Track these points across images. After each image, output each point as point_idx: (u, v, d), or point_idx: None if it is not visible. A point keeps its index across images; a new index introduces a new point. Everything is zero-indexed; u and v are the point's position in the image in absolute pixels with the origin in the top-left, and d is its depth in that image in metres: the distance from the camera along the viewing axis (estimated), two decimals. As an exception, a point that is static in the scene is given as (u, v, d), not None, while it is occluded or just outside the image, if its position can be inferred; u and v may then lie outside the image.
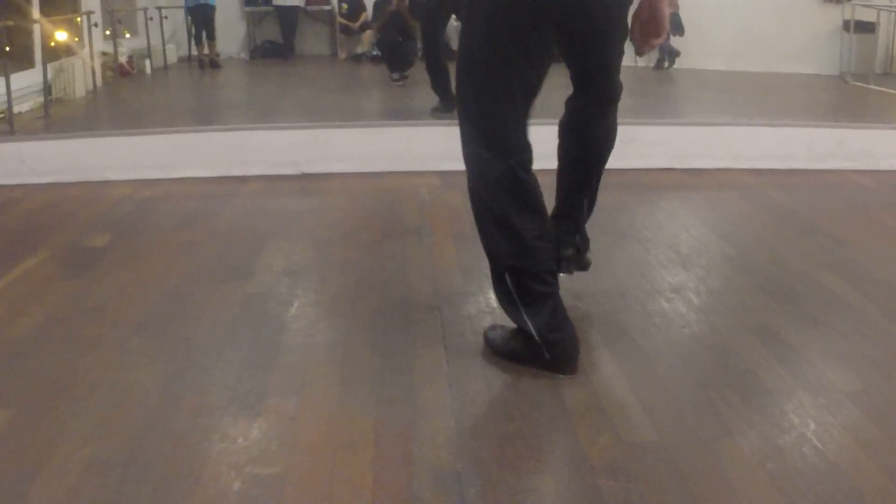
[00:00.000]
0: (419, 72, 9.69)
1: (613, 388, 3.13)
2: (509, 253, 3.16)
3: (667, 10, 3.27)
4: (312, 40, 16.01)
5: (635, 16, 3.27)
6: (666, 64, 13.40)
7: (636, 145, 6.66)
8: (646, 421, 2.89)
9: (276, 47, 15.42)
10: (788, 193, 6.07)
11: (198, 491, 2.50)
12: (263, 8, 15.56)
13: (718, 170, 6.72)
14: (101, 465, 2.63)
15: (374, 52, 13.74)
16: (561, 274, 3.56)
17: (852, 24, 12.52)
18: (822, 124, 7.67)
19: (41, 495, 2.49)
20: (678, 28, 13.31)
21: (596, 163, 3.65)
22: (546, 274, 3.17)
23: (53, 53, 9.81)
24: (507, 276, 3.18)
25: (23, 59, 9.61)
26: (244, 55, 15.74)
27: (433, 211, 5.55)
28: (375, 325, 3.69)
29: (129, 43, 12.85)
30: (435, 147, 6.59)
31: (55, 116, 8.45)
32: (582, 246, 3.84)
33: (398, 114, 9.07)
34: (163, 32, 13.46)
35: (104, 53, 11.32)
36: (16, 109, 7.75)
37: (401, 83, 10.82)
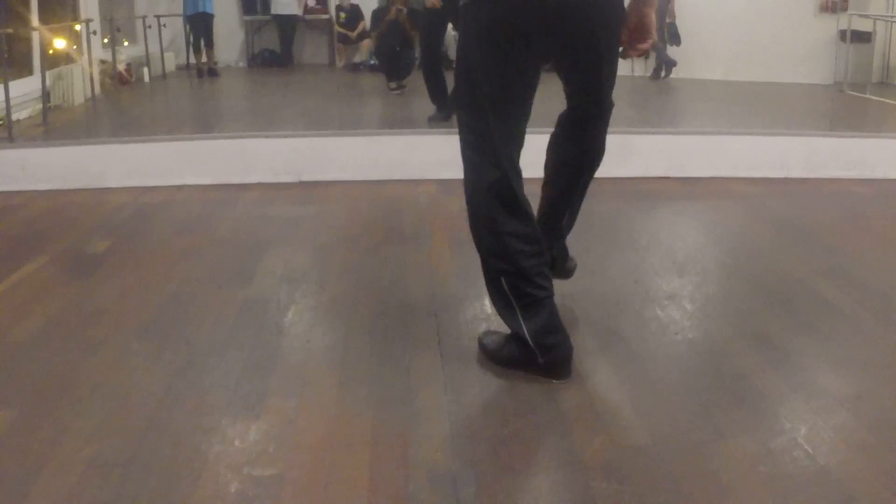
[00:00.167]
0: (417, 81, 9.72)
1: (607, 392, 3.16)
2: (504, 257, 3.20)
3: (654, 17, 3.31)
4: (311, 49, 16.05)
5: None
6: (663, 73, 13.44)
7: (633, 154, 6.71)
8: (639, 424, 2.92)
9: (274, 56, 15.45)
10: (785, 202, 6.11)
11: (197, 491, 2.53)
12: (262, 17, 15.59)
13: (715, 179, 6.75)
14: (102, 464, 2.66)
15: (372, 61, 13.78)
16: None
17: (849, 34, 12.55)
18: (818, 134, 7.70)
19: (43, 494, 2.52)
20: (675, 38, 13.36)
21: (577, 179, 3.66)
22: (540, 278, 3.21)
23: (52, 61, 9.83)
24: (502, 279, 3.22)
25: (21, 67, 9.64)
26: (242, 63, 15.77)
27: (431, 218, 5.59)
28: (373, 330, 3.73)
29: (127, 51, 12.87)
30: (433, 155, 6.63)
31: (54, 124, 8.47)
32: (559, 258, 3.87)
33: (396, 122, 9.11)
34: (161, 40, 13.49)
35: (103, 61, 11.34)
36: (14, 117, 7.76)
37: (399, 92, 10.84)
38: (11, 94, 7.54)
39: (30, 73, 9.61)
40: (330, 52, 15.99)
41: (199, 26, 13.68)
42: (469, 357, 3.42)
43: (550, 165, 3.68)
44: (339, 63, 15.48)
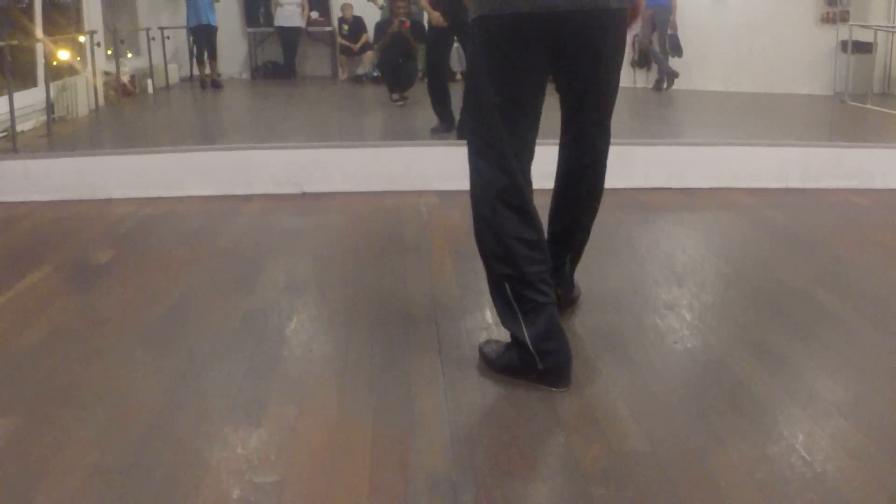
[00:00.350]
0: (419, 92, 9.76)
1: (606, 400, 3.18)
2: (509, 262, 3.24)
3: (643, 3, 3.40)
4: (314, 61, 16.09)
5: None
6: (665, 85, 13.47)
7: (633, 165, 6.74)
8: (637, 431, 2.94)
9: (277, 68, 15.49)
10: (785, 212, 6.12)
11: (199, 497, 2.55)
12: (265, 29, 15.64)
13: (715, 189, 6.76)
14: (105, 470, 2.68)
15: (375, 73, 13.82)
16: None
17: (850, 45, 12.58)
18: (818, 144, 7.72)
19: (46, 499, 2.54)
20: (677, 49, 13.39)
21: (578, 223, 3.76)
22: (543, 284, 3.25)
23: (56, 72, 9.87)
24: (505, 284, 3.26)
25: (26, 78, 9.68)
26: (245, 75, 15.82)
27: (432, 229, 5.61)
28: (374, 338, 3.75)
29: (131, 62, 12.92)
30: (435, 167, 6.66)
31: (58, 135, 8.51)
32: (564, 294, 3.90)
33: (399, 134, 9.14)
34: (165, 52, 13.53)
35: (106, 73, 11.39)
36: (19, 128, 7.79)
37: (401, 103, 10.88)
38: (16, 106, 7.58)
39: (34, 84, 9.66)
40: (333, 64, 16.03)
41: (203, 38, 13.73)
42: (469, 364, 3.44)
43: (553, 203, 3.76)
44: (342, 75, 15.52)
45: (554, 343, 3.23)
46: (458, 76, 12.45)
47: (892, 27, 13.21)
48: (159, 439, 2.89)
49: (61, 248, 5.25)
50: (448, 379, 3.33)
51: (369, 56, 14.63)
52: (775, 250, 5.23)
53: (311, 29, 15.72)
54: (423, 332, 3.81)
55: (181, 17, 13.86)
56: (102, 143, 9.12)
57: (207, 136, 9.49)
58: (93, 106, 10.35)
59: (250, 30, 15.82)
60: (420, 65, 11.71)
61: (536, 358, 3.22)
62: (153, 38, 13.21)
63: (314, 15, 15.69)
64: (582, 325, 3.91)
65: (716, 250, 5.16)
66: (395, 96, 11.00)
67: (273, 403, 3.14)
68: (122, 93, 11.75)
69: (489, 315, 3.87)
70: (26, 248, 5.33)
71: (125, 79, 12.00)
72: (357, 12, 15.11)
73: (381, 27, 13.20)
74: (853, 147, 7.57)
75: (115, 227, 5.73)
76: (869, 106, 11.47)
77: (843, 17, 13.41)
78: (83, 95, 10.10)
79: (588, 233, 3.82)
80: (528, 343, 3.22)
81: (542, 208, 3.44)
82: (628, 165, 6.63)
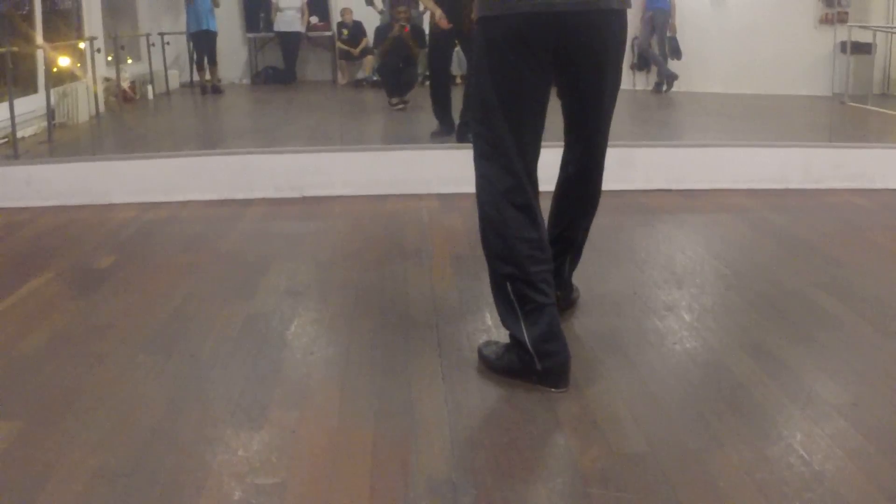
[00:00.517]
0: (420, 96, 9.77)
1: (606, 402, 3.20)
2: (512, 261, 3.27)
3: None
4: (314, 66, 16.08)
5: None
6: (664, 87, 13.48)
7: (633, 167, 6.75)
8: (637, 433, 2.96)
9: (277, 73, 15.48)
10: (784, 214, 6.13)
11: (201, 499, 2.57)
12: (265, 34, 15.64)
13: (715, 191, 6.77)
14: (107, 474, 2.70)
15: (375, 77, 13.82)
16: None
17: (849, 46, 12.58)
18: (818, 145, 7.72)
19: (49, 502, 2.56)
20: (676, 52, 13.39)
21: (577, 227, 3.81)
22: (545, 284, 3.27)
23: (57, 79, 9.88)
24: (508, 284, 3.28)
25: (26, 85, 9.69)
26: (246, 81, 15.80)
27: (433, 233, 5.61)
28: (374, 342, 3.77)
29: (131, 68, 12.92)
30: (435, 170, 6.67)
31: (59, 141, 8.52)
32: (562, 297, 3.92)
33: (399, 138, 9.16)
34: (165, 58, 13.53)
35: (107, 79, 11.38)
36: (19, 134, 7.79)
37: (401, 107, 10.88)
38: (17, 112, 7.58)
39: (35, 90, 9.66)
40: (333, 68, 16.03)
41: (203, 44, 13.72)
42: (469, 367, 3.46)
43: (553, 210, 3.81)
44: (342, 80, 15.52)
45: (553, 344, 3.25)
46: (458, 80, 12.46)
47: (891, 28, 13.21)
48: (161, 443, 2.91)
49: (63, 253, 5.27)
50: (448, 382, 3.34)
51: (370, 60, 14.62)
52: (775, 252, 5.24)
53: (311, 34, 15.70)
54: (423, 336, 3.83)
55: (181, 23, 13.84)
56: (103, 149, 9.10)
57: (208, 141, 9.49)
58: (93, 112, 10.34)
59: (250, 35, 15.79)
60: (420, 69, 11.72)
61: (535, 359, 3.24)
62: (153, 44, 13.19)
63: (314, 20, 15.68)
64: (581, 327, 3.93)
65: (715, 252, 5.17)
66: (395, 100, 11.00)
67: (274, 407, 3.15)
68: (123, 99, 11.75)
69: (489, 318, 3.89)
70: (28, 253, 5.35)
71: (125, 85, 12.00)
72: (357, 17, 15.10)
73: (381, 32, 13.20)
74: (853, 148, 7.57)
75: (116, 232, 5.75)
76: (869, 107, 11.48)
77: (842, 19, 13.41)
78: (83, 101, 10.10)
79: (587, 234, 3.85)
80: (528, 344, 3.24)
81: (543, 211, 3.46)
82: (628, 167, 6.64)
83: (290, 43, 15.23)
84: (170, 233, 5.79)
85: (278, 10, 14.91)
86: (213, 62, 13.83)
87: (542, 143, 3.39)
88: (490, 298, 3.48)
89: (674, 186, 6.82)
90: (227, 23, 14.91)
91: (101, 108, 10.61)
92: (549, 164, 3.59)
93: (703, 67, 13.33)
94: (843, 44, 12.88)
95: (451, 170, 5.56)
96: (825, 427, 2.99)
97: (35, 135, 8.79)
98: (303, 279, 4.67)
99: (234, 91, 14.42)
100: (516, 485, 2.66)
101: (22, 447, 2.89)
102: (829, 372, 3.50)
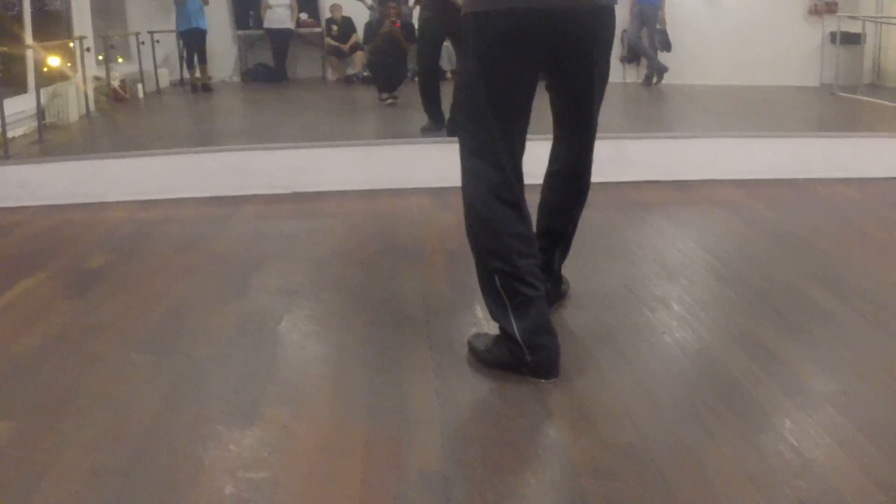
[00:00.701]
0: (411, 92, 9.78)
1: (597, 394, 3.22)
2: (500, 255, 3.28)
3: None
4: (304, 63, 16.06)
5: None
6: (654, 80, 13.51)
7: (625, 160, 6.77)
8: (628, 424, 2.98)
9: (267, 70, 15.46)
10: (775, 205, 6.16)
11: (194, 496, 2.59)
12: (255, 31, 15.62)
13: (706, 182, 6.80)
14: (102, 472, 2.72)
15: (365, 73, 13.81)
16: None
17: (839, 36, 12.61)
18: (808, 135, 7.76)
19: (44, 502, 2.58)
20: (666, 44, 13.41)
21: (566, 219, 3.85)
22: (533, 277, 3.29)
23: (47, 78, 9.86)
24: (496, 277, 3.30)
25: (16, 84, 9.68)
26: (236, 78, 15.80)
27: (424, 228, 5.64)
28: (367, 339, 3.79)
29: (121, 68, 12.91)
30: (427, 165, 6.70)
31: (49, 141, 8.51)
32: (552, 289, 3.93)
33: (389, 133, 9.16)
34: (155, 57, 13.52)
35: (97, 78, 11.38)
36: (10, 134, 7.79)
37: (390, 102, 10.88)
38: (7, 112, 7.57)
39: (25, 90, 9.66)
40: (323, 65, 16.01)
41: (193, 42, 13.71)
42: (460, 362, 3.48)
43: (541, 203, 3.83)
44: (332, 76, 15.51)
45: (543, 336, 3.28)
46: (448, 75, 12.48)
47: (881, 18, 13.24)
48: (156, 442, 2.92)
49: (57, 253, 5.27)
50: (440, 377, 3.36)
51: (360, 57, 14.62)
52: (765, 244, 5.27)
53: (300, 31, 15.70)
54: (415, 331, 3.85)
55: (171, 22, 13.83)
56: (94, 148, 9.07)
57: (199, 139, 9.46)
58: (83, 112, 10.34)
59: (240, 32, 15.79)
60: (410, 65, 11.73)
61: (525, 350, 3.26)
62: (143, 43, 13.18)
63: (304, 16, 15.67)
64: (573, 321, 3.94)
65: (706, 245, 5.19)
66: (385, 96, 11.01)
67: (268, 404, 3.17)
68: (113, 98, 11.75)
69: (479, 312, 3.90)
70: (22, 254, 5.35)
71: (116, 84, 12.00)
72: (346, 13, 15.10)
73: (370, 28, 13.21)
74: (842, 138, 7.61)
75: (110, 231, 5.76)
76: (859, 97, 11.50)
77: (831, 9, 13.45)
78: (74, 101, 10.09)
79: (576, 226, 3.88)
80: (517, 336, 3.26)
81: (531, 204, 3.48)
82: (618, 159, 6.66)
83: (279, 40, 15.22)
84: (163, 232, 5.80)
85: (268, 7, 14.90)
86: (203, 60, 13.83)
87: (528, 137, 3.40)
88: (481, 293, 3.50)
89: (664, 178, 6.84)
90: (217, 21, 14.91)
91: (92, 107, 10.61)
92: (535, 159, 3.61)
93: (692, 60, 13.36)
94: (833, 34, 12.91)
95: (442, 165, 5.55)
96: (815, 417, 3.02)
97: (25, 135, 8.78)
98: (296, 277, 4.68)
99: (224, 89, 14.43)
100: (508, 477, 2.68)
101: (17, 447, 2.90)
102: (820, 363, 3.53)
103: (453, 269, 4.62)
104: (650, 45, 13.52)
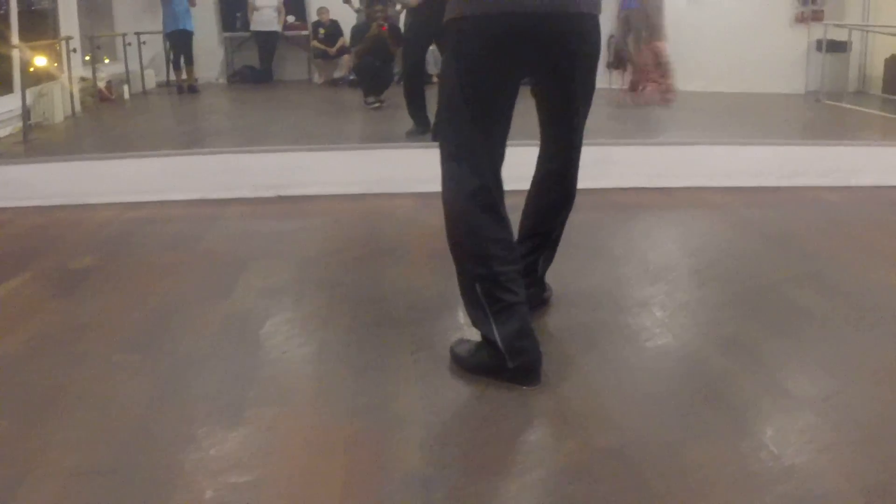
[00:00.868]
0: (397, 96, 9.78)
1: (579, 397, 3.22)
2: (481, 261, 3.27)
3: (667, 50, 3.40)
4: (291, 65, 16.06)
5: (634, 65, 3.38)
6: (640, 86, 13.50)
7: (611, 165, 6.78)
8: (610, 427, 2.99)
9: (254, 72, 15.46)
10: (760, 210, 6.18)
11: (178, 496, 2.59)
12: (241, 33, 15.62)
13: (692, 188, 6.82)
14: (86, 473, 2.71)
15: (352, 77, 13.81)
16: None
17: (825, 44, 12.66)
18: (793, 142, 7.79)
19: (27, 501, 2.58)
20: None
21: (551, 223, 3.84)
22: (514, 284, 3.29)
23: (33, 79, 9.85)
24: (476, 285, 3.29)
25: (2, 84, 9.67)
26: (222, 80, 15.78)
27: (410, 232, 5.65)
28: (350, 340, 3.79)
29: (107, 68, 12.90)
30: (412, 169, 6.69)
31: (35, 141, 8.50)
32: (535, 295, 3.94)
33: (375, 137, 9.16)
34: (141, 58, 13.51)
35: (83, 79, 11.37)
36: (-4, 134, 7.81)
37: (377, 106, 10.88)
38: (-7, 112, 7.59)
39: (10, 90, 9.64)
40: (309, 68, 16.01)
41: (179, 43, 13.70)
42: (443, 365, 3.48)
43: (526, 209, 3.84)
44: (318, 79, 15.51)
45: (524, 342, 3.27)
46: (434, 79, 12.48)
47: (867, 26, 13.30)
48: (140, 442, 2.92)
49: (42, 254, 5.26)
50: (423, 378, 3.37)
51: (347, 59, 14.61)
52: (749, 248, 5.28)
53: (287, 33, 15.70)
54: (399, 332, 3.85)
55: (158, 23, 13.82)
56: (81, 149, 9.06)
57: (186, 141, 9.45)
58: (69, 112, 10.33)
59: (227, 34, 15.78)
60: (396, 68, 11.74)
61: (506, 357, 3.26)
62: (129, 44, 13.19)
63: (290, 19, 15.68)
64: (556, 324, 3.95)
65: (691, 249, 5.22)
66: (371, 99, 11.01)
67: (252, 405, 3.17)
68: (99, 99, 11.74)
69: (462, 316, 3.90)
70: (7, 254, 5.34)
71: (102, 85, 11.98)
72: (333, 16, 15.10)
73: (357, 31, 13.20)
74: (827, 145, 7.64)
75: (96, 232, 5.75)
76: (844, 104, 11.55)
77: (817, 17, 13.51)
78: (60, 102, 10.08)
79: (561, 231, 3.88)
80: (499, 342, 3.26)
81: (515, 209, 3.49)
82: (605, 166, 6.66)
83: (266, 42, 15.23)
84: (149, 233, 5.79)
85: (255, 9, 14.90)
86: (189, 62, 13.82)
87: (509, 142, 3.40)
88: (460, 296, 3.50)
89: (650, 184, 6.86)
90: (204, 22, 14.90)
91: (78, 108, 10.60)
92: (517, 164, 3.62)
93: (678, 66, 13.29)
94: (819, 42, 12.96)
95: (426, 168, 5.52)
96: (797, 421, 3.03)
97: (11, 135, 8.78)
98: (280, 278, 4.68)
99: (210, 90, 14.41)
100: (490, 479, 2.68)
101: (0, 446, 2.89)
102: (802, 365, 3.55)
103: (438, 272, 4.61)
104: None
